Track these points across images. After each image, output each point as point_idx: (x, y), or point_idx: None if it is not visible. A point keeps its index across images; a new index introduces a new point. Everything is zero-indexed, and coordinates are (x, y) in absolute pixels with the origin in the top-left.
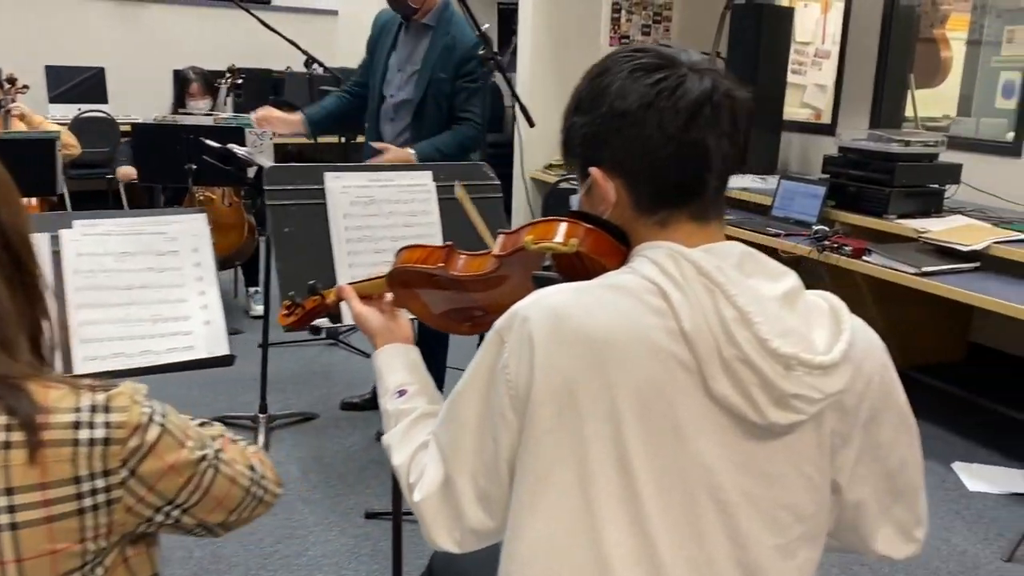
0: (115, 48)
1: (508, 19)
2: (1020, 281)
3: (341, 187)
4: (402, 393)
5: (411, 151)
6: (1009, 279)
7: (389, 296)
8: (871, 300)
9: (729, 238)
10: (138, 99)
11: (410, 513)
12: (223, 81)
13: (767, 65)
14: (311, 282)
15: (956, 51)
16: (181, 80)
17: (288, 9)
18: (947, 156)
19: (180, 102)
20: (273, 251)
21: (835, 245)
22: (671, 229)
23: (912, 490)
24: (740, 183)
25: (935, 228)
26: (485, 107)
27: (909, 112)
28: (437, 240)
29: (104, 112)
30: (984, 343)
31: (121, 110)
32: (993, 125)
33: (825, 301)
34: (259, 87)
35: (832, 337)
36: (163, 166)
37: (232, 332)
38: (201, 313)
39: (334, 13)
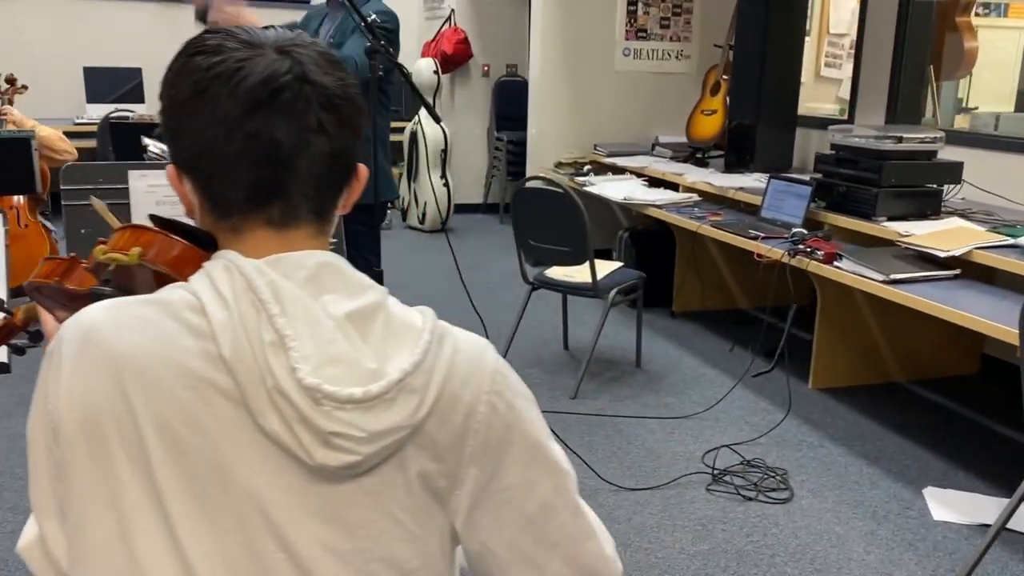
0: (153, 49)
1: None
2: (997, 291)
3: (146, 186)
4: None
5: None
6: (987, 288)
7: None
8: (868, 310)
9: (710, 241)
10: None
11: None
12: None
13: (776, 56)
14: None
15: (1016, 41)
16: None
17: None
18: (954, 154)
19: None
20: (67, 254)
21: (808, 249)
22: (244, 237)
23: (569, 539)
24: (739, 182)
25: (921, 231)
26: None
27: (955, 105)
28: None
29: (133, 112)
30: (1000, 356)
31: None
32: None
33: (423, 321)
34: None
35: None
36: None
37: None
38: None
39: None
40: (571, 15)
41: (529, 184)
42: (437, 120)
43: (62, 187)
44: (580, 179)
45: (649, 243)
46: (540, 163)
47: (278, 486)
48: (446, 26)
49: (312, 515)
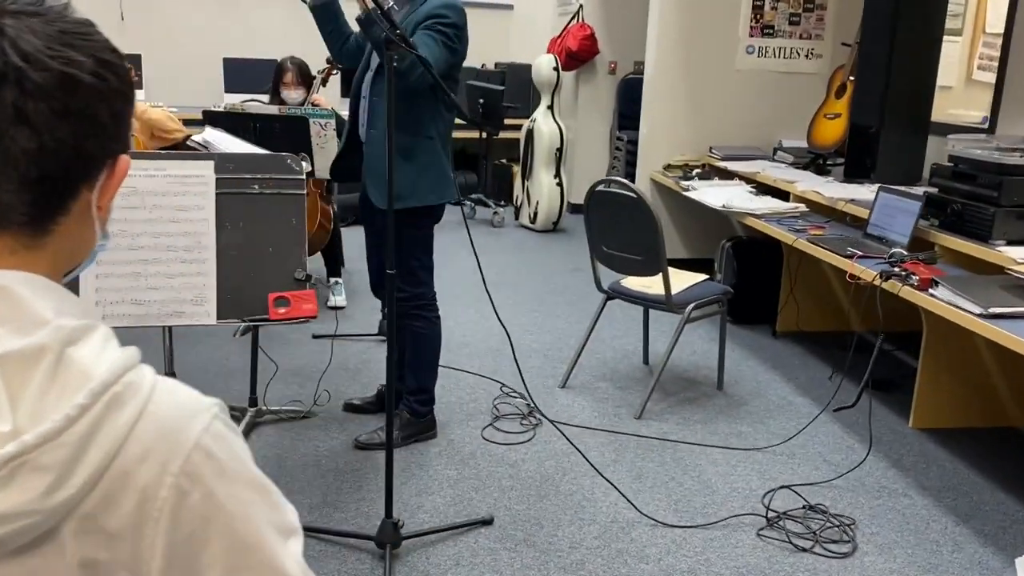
0: (291, 43)
1: None
2: None
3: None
4: None
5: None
6: None
7: None
8: (984, 342)
9: (798, 256)
10: None
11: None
12: (320, 72)
13: (906, 55)
14: None
15: None
16: (278, 70)
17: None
18: None
19: (276, 91)
20: None
21: (904, 273)
22: None
23: None
24: (855, 193)
25: None
26: (438, 58)
27: None
28: (209, 239)
29: (261, 101)
30: None
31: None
32: None
33: (102, 373)
34: None
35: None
36: None
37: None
38: None
39: (509, 8)
40: (691, 9)
41: (603, 187)
42: (466, 118)
43: None
44: (684, 183)
45: (753, 255)
46: (650, 164)
47: None
48: (573, 22)
49: None
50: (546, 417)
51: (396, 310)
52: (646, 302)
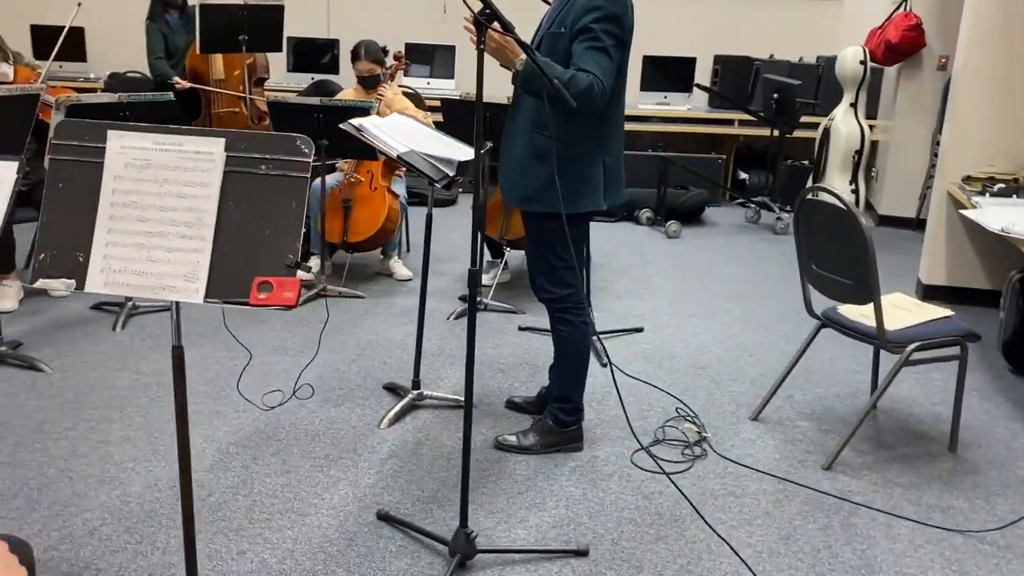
0: (708, 38)
1: None
2: None
3: (119, 147)
4: None
5: (521, 58)
6: None
7: None
8: None
9: None
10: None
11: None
12: None
13: None
14: None
15: None
16: None
17: None
18: None
19: None
20: (43, 206)
21: None
22: None
23: None
24: None
25: None
26: (609, 71)
27: None
28: (210, 217)
29: None
30: None
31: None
32: None
33: None
34: (736, 75)
35: None
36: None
37: (517, 311)
38: None
39: None
40: None
41: (813, 196)
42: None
43: (51, 141)
44: (975, 199)
45: None
46: (949, 175)
47: None
48: (898, 11)
49: None
50: (712, 449)
51: (548, 311)
52: (858, 335)
